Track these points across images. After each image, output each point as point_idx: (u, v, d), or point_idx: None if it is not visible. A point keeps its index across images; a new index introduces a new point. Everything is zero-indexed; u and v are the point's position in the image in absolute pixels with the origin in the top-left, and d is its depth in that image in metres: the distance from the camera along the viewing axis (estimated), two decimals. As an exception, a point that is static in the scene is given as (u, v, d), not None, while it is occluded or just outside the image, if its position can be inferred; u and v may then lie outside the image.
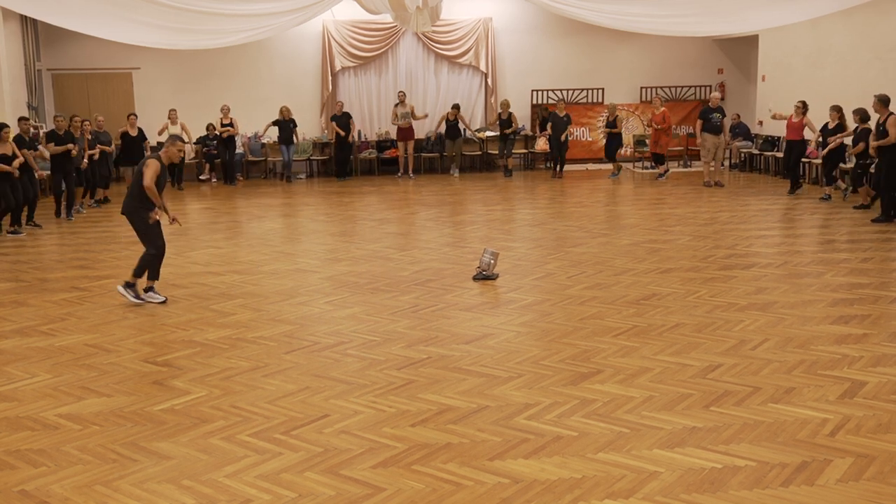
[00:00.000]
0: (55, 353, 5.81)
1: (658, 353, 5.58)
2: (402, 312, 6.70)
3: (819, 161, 13.37)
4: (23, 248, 9.87)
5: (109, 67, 16.52)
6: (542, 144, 17.50)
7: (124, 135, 14.26)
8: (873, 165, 11.26)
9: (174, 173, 15.10)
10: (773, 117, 14.15)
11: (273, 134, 16.32)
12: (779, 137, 15.37)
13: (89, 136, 12.70)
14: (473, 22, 17.51)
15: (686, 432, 4.28)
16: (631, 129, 17.92)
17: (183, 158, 15.34)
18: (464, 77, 17.92)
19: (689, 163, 17.70)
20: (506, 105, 16.37)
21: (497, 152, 16.93)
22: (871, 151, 10.88)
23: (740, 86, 18.50)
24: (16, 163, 10.31)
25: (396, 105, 16.50)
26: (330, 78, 17.27)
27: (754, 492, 3.63)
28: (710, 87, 18.15)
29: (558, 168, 16.42)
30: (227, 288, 7.63)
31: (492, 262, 7.79)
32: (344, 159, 16.66)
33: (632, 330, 6.11)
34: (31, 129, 11.92)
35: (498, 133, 16.62)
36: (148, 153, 11.86)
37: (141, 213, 6.95)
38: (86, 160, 12.35)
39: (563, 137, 16.07)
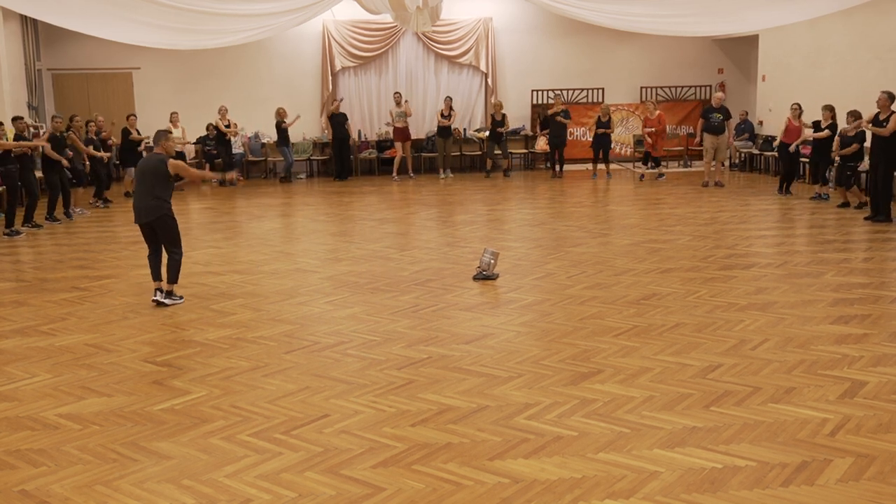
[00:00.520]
0: (55, 352, 5.81)
1: (658, 353, 5.58)
2: (402, 312, 6.70)
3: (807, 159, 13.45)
4: (23, 249, 9.88)
5: (109, 67, 16.53)
6: (542, 144, 17.51)
7: (125, 133, 14.23)
8: (859, 166, 11.48)
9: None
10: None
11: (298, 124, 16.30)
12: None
13: (95, 137, 12.70)
14: (473, 22, 17.52)
15: (686, 432, 4.28)
16: (631, 128, 17.92)
17: (183, 155, 15.40)
18: (464, 77, 17.92)
19: (689, 163, 17.70)
20: (499, 106, 16.41)
21: (485, 151, 16.95)
22: (865, 125, 10.79)
23: (740, 86, 18.49)
24: (37, 142, 11.21)
25: (392, 111, 16.46)
26: (330, 78, 17.27)
27: (754, 492, 3.63)
28: (711, 87, 18.15)
29: (558, 168, 16.42)
30: (228, 288, 7.63)
31: (492, 261, 7.79)
32: (343, 159, 16.63)
33: (632, 330, 6.11)
34: (31, 130, 11.93)
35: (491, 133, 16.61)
36: (145, 154, 11.85)
37: (169, 213, 6.94)
38: (87, 163, 12.35)
39: (557, 118, 16.00)
